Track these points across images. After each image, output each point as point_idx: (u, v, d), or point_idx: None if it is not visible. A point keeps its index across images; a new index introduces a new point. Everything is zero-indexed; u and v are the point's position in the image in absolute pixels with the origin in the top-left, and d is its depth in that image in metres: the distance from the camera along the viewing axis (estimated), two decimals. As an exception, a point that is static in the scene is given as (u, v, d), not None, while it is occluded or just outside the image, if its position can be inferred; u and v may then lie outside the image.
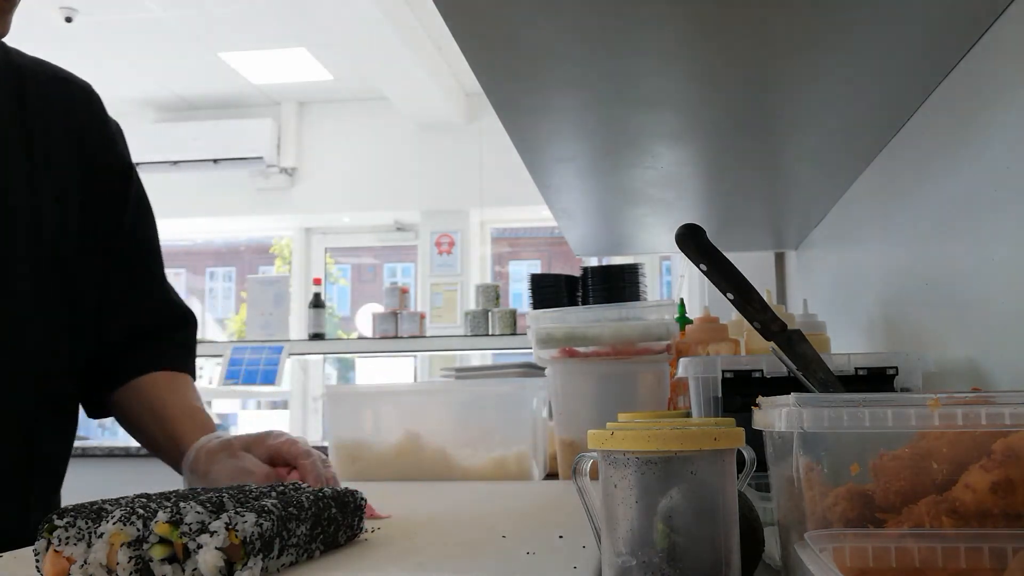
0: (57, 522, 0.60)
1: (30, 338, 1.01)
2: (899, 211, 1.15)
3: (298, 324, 5.19)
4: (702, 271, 0.85)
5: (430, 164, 5.67)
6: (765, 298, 0.85)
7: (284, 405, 6.08)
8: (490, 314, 4.41)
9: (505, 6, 0.77)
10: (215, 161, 5.68)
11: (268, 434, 0.99)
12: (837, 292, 1.55)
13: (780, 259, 2.10)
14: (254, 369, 5.76)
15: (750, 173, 1.33)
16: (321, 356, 5.64)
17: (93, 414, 1.19)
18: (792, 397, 0.50)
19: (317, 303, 4.59)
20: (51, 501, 1.08)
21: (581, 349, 1.32)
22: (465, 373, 1.71)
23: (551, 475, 1.43)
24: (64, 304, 1.05)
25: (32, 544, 0.63)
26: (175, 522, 0.59)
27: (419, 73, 4.93)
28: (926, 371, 0.94)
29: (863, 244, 1.36)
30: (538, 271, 5.85)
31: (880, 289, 1.27)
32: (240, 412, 6.44)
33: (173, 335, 1.20)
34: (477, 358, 5.10)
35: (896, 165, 1.15)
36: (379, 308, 4.82)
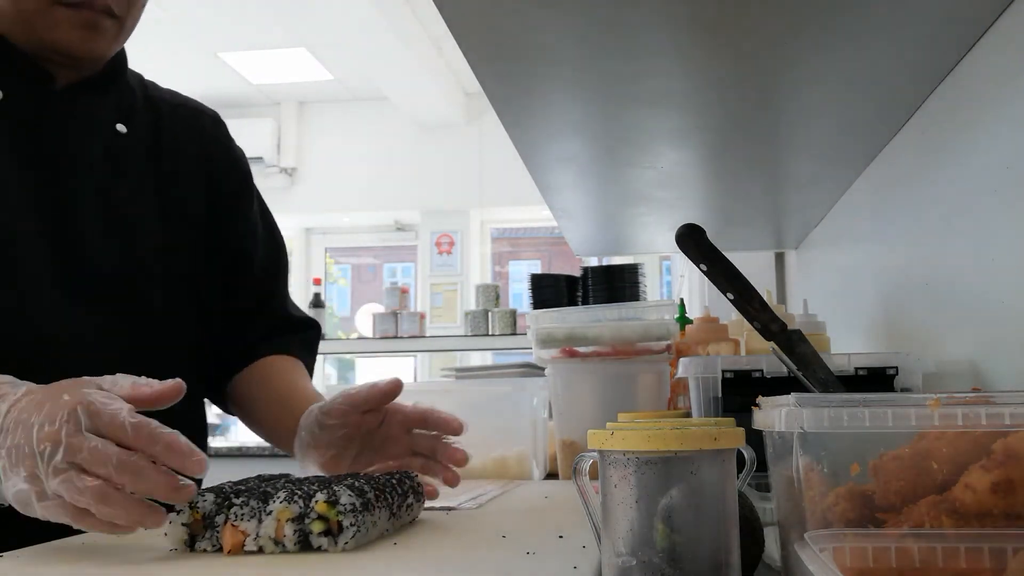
0: (235, 500, 0.71)
1: (164, 346, 1.07)
2: (899, 211, 1.15)
3: (298, 324, 5.17)
4: (702, 271, 0.85)
5: (430, 164, 5.67)
6: (765, 298, 0.85)
7: (284, 405, 6.06)
8: (490, 314, 4.40)
9: (505, 6, 0.77)
10: (215, 161, 5.67)
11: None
12: (837, 292, 1.55)
13: (780, 259, 2.10)
14: (254, 369, 5.76)
15: (750, 173, 1.33)
16: (321, 356, 5.61)
17: (222, 406, 1.26)
18: (792, 397, 0.51)
19: (317, 303, 4.58)
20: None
21: (581, 349, 1.32)
22: (465, 373, 1.71)
23: (551, 475, 1.43)
24: (192, 320, 1.14)
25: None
26: (332, 502, 0.71)
27: (419, 73, 4.93)
28: (926, 371, 0.94)
29: (863, 244, 1.36)
30: (538, 271, 5.84)
31: (880, 289, 1.27)
32: (240, 412, 6.42)
33: (295, 334, 1.25)
34: (477, 358, 5.09)
35: (896, 165, 1.15)
36: (379, 308, 4.81)
